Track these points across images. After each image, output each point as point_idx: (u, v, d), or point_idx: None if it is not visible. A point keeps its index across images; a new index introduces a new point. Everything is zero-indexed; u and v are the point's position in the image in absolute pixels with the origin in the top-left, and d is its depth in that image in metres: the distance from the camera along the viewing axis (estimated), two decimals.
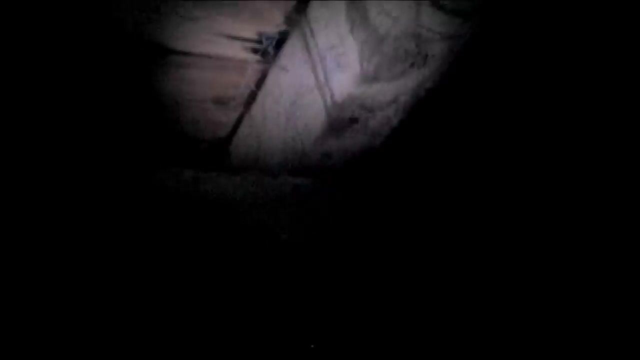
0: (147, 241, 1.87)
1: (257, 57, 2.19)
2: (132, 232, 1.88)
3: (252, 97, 2.32)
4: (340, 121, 1.98)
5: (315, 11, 2.01)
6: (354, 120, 1.98)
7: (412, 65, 1.82)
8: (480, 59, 2.07)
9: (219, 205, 2.09)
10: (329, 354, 2.02)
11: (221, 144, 2.55)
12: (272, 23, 2.09)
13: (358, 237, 2.14)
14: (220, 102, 2.35)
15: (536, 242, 2.45)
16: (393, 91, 1.88)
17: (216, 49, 2.17)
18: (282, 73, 2.16)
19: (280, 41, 2.15)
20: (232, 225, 2.08)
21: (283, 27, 2.10)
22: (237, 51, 2.17)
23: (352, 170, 2.18)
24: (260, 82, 2.27)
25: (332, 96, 1.95)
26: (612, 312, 2.43)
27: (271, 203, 2.08)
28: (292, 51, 2.12)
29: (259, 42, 2.15)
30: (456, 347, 2.27)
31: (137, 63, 2.11)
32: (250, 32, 2.11)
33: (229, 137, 2.50)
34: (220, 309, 1.93)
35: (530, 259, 2.43)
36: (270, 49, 2.17)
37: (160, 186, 2.04)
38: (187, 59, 2.18)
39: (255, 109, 2.33)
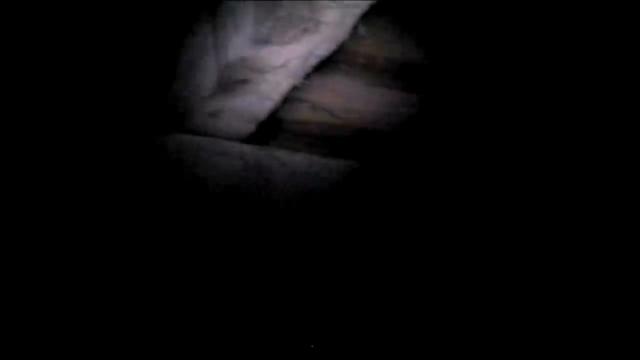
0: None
1: None
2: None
3: None
4: (231, 82, 1.98)
5: None
6: (244, 81, 1.99)
7: (304, 30, 1.84)
8: (376, 29, 2.09)
9: None
10: None
11: None
12: None
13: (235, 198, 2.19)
14: None
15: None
16: (284, 55, 1.90)
17: None
18: (188, 35, 2.15)
19: None
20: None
21: None
22: None
23: (241, 131, 2.20)
24: None
25: (226, 57, 1.95)
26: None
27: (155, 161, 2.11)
28: (199, 14, 2.11)
29: None
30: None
31: None
32: None
33: None
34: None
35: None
36: None
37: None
38: None
39: None
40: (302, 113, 2.29)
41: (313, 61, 1.95)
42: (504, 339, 2.47)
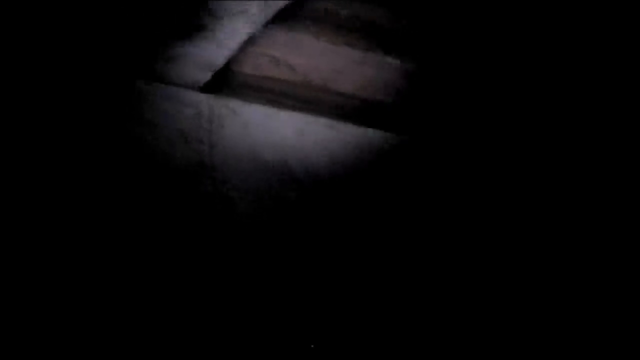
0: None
1: None
2: None
3: None
4: (188, 28, 1.94)
5: None
6: (201, 27, 1.94)
7: None
8: None
9: None
10: None
11: None
12: None
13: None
14: None
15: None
16: (243, 2, 1.86)
17: None
18: None
19: None
20: None
21: None
22: None
23: (196, 79, 2.16)
24: None
25: (184, 1, 1.91)
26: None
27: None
28: None
29: None
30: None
31: None
32: None
33: None
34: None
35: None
36: None
37: None
38: None
39: None
40: (264, 68, 2.26)
41: (272, 10, 1.91)
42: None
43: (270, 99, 2.36)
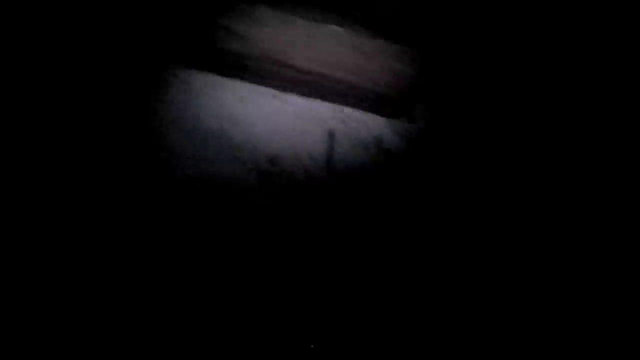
0: None
1: None
2: None
3: None
4: None
5: None
6: None
7: None
8: None
9: None
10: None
11: None
12: None
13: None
14: None
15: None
16: None
17: None
18: None
19: None
20: None
21: None
22: None
23: None
24: None
25: None
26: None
27: None
28: None
29: None
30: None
31: None
32: None
33: None
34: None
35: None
36: None
37: None
38: None
39: None
40: (216, 38, 2.25)
41: None
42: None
43: (219, 69, 2.35)
